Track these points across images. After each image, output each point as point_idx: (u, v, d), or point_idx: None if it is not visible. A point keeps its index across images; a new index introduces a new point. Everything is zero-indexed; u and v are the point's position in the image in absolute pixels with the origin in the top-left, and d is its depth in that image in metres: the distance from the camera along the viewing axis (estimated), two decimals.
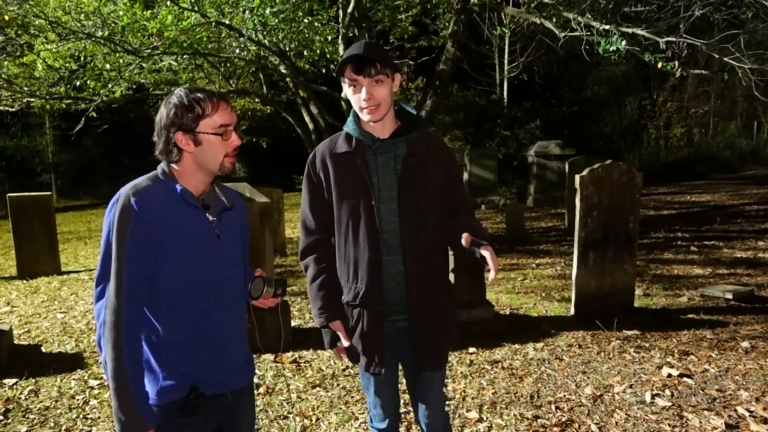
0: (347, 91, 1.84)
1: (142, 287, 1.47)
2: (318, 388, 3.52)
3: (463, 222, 1.81)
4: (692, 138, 20.66)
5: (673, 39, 5.32)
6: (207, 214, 1.59)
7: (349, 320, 1.93)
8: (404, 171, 1.83)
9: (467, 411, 3.16)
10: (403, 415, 2.98)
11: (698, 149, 19.65)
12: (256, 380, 3.62)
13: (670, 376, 3.53)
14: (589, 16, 5.94)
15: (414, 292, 1.85)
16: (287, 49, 7.64)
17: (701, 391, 3.32)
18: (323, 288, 1.93)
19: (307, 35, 7.40)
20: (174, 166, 1.56)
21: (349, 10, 7.83)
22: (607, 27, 5.60)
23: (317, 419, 3.14)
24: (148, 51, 6.60)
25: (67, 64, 6.97)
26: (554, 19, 6.80)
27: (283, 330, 1.77)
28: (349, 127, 1.89)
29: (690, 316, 4.70)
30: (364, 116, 1.82)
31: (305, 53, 7.99)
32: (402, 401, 2.58)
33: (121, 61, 6.94)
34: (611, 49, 5.55)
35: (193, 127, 1.50)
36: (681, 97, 20.60)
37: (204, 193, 1.61)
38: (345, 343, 1.92)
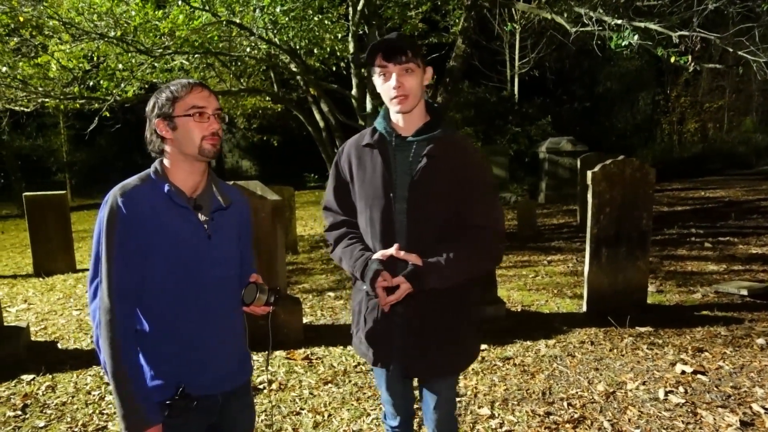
0: (377, 82, 1.80)
1: (131, 287, 1.48)
2: (330, 385, 3.54)
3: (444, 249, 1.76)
4: (706, 133, 20.37)
5: (687, 33, 5.26)
6: (199, 214, 1.58)
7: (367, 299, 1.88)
8: (418, 172, 1.79)
9: (479, 407, 3.17)
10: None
11: (713, 145, 19.35)
12: (268, 377, 3.65)
13: (683, 372, 3.51)
14: (601, 11, 5.88)
15: (414, 296, 1.77)
16: (297, 47, 7.64)
17: (715, 388, 3.29)
18: (352, 241, 1.88)
19: (317, 33, 7.40)
20: (165, 162, 1.58)
21: (359, 7, 7.83)
22: (619, 21, 5.54)
23: (329, 415, 3.16)
24: (159, 51, 6.65)
25: (80, 65, 7.03)
26: (565, 15, 6.74)
27: (270, 338, 1.76)
28: (377, 121, 1.89)
29: (704, 312, 4.65)
30: (393, 107, 1.78)
31: (315, 51, 7.99)
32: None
33: (133, 60, 6.99)
34: (623, 44, 5.50)
35: (170, 112, 1.53)
36: (695, 92, 20.30)
37: (197, 190, 1.60)
38: (385, 278, 1.75)
